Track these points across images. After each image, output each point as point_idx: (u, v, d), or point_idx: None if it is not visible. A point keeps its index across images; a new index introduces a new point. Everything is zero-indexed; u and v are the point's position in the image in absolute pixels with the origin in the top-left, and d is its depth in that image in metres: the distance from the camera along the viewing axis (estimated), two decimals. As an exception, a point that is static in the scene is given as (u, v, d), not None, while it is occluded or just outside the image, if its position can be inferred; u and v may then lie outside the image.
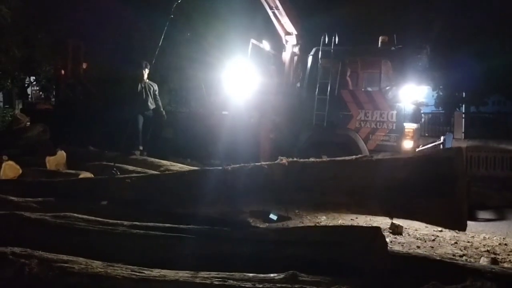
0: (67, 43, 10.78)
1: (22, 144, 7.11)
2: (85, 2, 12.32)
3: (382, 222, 5.86)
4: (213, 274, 2.38)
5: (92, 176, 5.47)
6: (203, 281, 2.33)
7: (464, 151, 7.75)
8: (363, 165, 2.66)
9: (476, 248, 4.80)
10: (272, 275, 2.32)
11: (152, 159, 7.26)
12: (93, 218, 3.30)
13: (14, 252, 2.64)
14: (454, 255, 4.35)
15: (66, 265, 2.53)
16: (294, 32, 8.14)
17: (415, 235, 5.30)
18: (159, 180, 3.52)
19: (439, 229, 5.64)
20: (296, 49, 8.28)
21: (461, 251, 4.67)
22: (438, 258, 3.20)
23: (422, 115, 10.80)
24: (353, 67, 8.12)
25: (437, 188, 2.29)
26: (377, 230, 2.56)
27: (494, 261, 4.03)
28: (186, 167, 6.07)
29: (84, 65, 11.25)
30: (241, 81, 8.07)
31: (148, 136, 8.58)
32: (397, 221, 5.51)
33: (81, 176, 5.29)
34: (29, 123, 8.71)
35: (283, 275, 2.28)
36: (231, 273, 2.40)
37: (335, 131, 7.43)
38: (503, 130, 15.69)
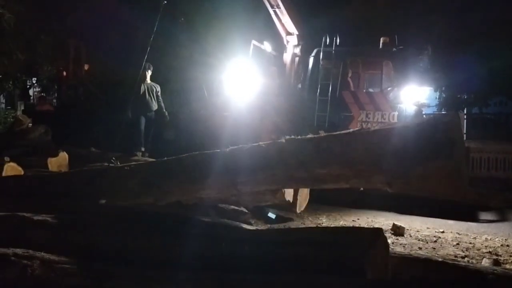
0: (69, 45, 10.82)
1: (24, 146, 7.12)
2: (87, 3, 12.34)
3: (384, 223, 5.86)
4: (214, 275, 2.38)
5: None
6: (204, 282, 2.33)
7: (466, 152, 7.73)
8: (360, 137, 2.64)
9: (478, 250, 4.79)
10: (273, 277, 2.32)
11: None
12: (93, 218, 3.30)
13: (16, 253, 2.64)
14: (456, 256, 4.34)
15: (67, 266, 2.53)
16: (295, 32, 8.16)
17: (417, 236, 5.30)
18: (158, 166, 3.50)
19: (441, 230, 5.65)
20: (297, 50, 8.29)
21: (463, 252, 4.66)
22: (440, 260, 3.20)
23: (424, 116, 10.79)
24: (355, 68, 8.13)
25: (435, 153, 2.27)
26: (378, 231, 2.56)
27: (496, 262, 4.02)
28: None
29: (86, 66, 11.28)
30: (242, 82, 8.09)
31: (150, 137, 8.59)
32: (398, 223, 5.51)
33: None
34: (31, 124, 8.72)
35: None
36: (233, 275, 2.40)
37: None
38: (505, 131, 15.66)
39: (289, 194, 5.33)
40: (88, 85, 10.85)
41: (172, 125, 9.03)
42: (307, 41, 8.35)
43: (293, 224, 5.65)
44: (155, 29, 7.44)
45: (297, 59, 8.31)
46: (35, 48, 10.89)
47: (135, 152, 7.88)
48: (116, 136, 7.70)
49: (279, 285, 2.29)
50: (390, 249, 2.81)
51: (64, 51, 11.36)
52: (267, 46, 8.58)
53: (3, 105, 14.49)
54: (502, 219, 6.89)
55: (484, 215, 7.08)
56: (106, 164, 6.36)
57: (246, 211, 5.40)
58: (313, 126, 7.50)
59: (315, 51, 7.94)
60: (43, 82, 13.35)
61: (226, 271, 2.44)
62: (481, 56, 12.91)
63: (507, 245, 5.05)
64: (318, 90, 7.61)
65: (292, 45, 8.23)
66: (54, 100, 14.71)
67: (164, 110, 8.90)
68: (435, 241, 5.10)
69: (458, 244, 5.00)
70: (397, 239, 5.11)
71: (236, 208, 5.40)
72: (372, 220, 6.23)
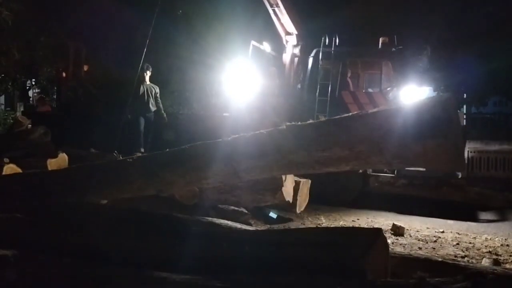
0: (68, 46, 10.81)
1: (23, 147, 7.11)
2: (86, 4, 12.34)
3: (384, 223, 5.87)
4: (214, 276, 2.38)
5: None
6: (204, 283, 2.33)
7: (466, 152, 7.74)
8: (360, 119, 2.67)
9: (478, 249, 4.79)
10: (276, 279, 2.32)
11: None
12: (92, 219, 3.30)
13: (15, 254, 2.64)
14: (456, 256, 4.34)
15: (68, 267, 2.53)
16: (295, 32, 8.16)
17: (417, 236, 5.30)
18: (161, 157, 3.50)
19: (441, 230, 5.65)
20: (297, 50, 8.30)
21: (463, 252, 4.66)
22: (440, 260, 3.20)
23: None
24: (354, 68, 8.13)
25: (433, 132, 2.32)
26: (378, 231, 2.56)
27: (496, 262, 4.02)
28: None
29: (85, 68, 11.28)
30: (242, 82, 8.09)
31: (149, 138, 8.60)
32: (398, 223, 5.51)
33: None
34: (30, 125, 8.72)
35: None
36: (233, 275, 2.40)
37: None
38: (504, 130, 15.68)
39: (288, 194, 5.34)
40: (88, 86, 10.85)
41: (172, 125, 9.03)
42: (307, 41, 8.35)
43: (293, 225, 5.65)
44: (151, 29, 7.44)
45: (296, 59, 8.31)
46: (34, 49, 10.89)
47: (134, 153, 7.88)
48: (116, 137, 7.70)
49: (278, 285, 2.29)
50: (390, 249, 2.81)
51: (64, 52, 11.35)
52: (266, 47, 8.59)
53: (2, 106, 14.50)
54: (502, 219, 6.90)
55: (484, 215, 7.09)
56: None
57: (246, 211, 5.41)
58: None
59: (314, 51, 7.94)
60: (42, 84, 13.34)
61: (226, 272, 2.44)
62: (480, 56, 12.93)
63: (507, 245, 5.06)
64: (318, 90, 7.61)
65: (291, 45, 8.23)
66: (54, 101, 14.72)
67: (163, 112, 8.91)
68: (435, 241, 5.10)
69: (458, 244, 5.00)
70: (397, 239, 5.11)
71: (236, 208, 5.41)
72: (371, 220, 6.24)
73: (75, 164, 6.81)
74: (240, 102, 8.09)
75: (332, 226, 5.70)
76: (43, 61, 11.43)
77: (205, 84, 10.63)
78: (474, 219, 6.79)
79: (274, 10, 7.89)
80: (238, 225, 3.94)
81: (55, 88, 13.13)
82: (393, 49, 7.51)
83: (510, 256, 4.61)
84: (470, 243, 5.08)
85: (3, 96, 14.58)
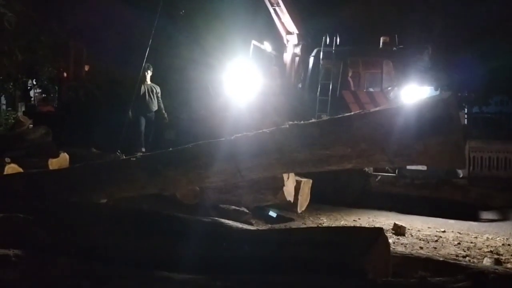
0: (70, 46, 10.82)
1: (25, 147, 7.12)
2: (87, 4, 12.34)
3: (385, 223, 5.86)
4: (216, 275, 2.38)
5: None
6: (206, 283, 2.33)
7: (467, 151, 7.73)
8: (361, 117, 2.70)
9: (479, 249, 4.79)
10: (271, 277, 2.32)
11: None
12: (94, 218, 3.31)
13: (17, 254, 2.65)
14: (457, 256, 4.34)
15: (69, 267, 2.53)
16: (295, 31, 8.16)
17: (418, 236, 5.30)
18: (164, 155, 3.52)
19: (442, 229, 5.64)
20: (298, 50, 8.30)
21: (464, 251, 4.66)
22: (441, 259, 3.20)
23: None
24: (355, 68, 8.13)
25: (434, 130, 2.36)
26: (379, 231, 2.56)
27: (498, 261, 4.02)
28: None
29: (86, 68, 11.29)
30: (243, 82, 8.09)
31: (150, 138, 8.60)
32: (400, 222, 5.51)
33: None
34: (31, 125, 8.73)
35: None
36: (234, 275, 2.40)
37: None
38: (505, 130, 15.64)
39: (290, 194, 5.34)
40: (89, 86, 10.86)
41: (173, 125, 9.04)
42: (307, 41, 8.35)
43: (294, 224, 5.65)
44: (153, 29, 7.44)
45: (297, 58, 8.31)
46: (36, 49, 10.89)
47: (135, 152, 7.88)
48: (117, 137, 7.71)
49: (280, 285, 2.29)
50: (391, 248, 2.81)
51: (65, 52, 11.36)
52: (267, 46, 8.58)
53: (4, 106, 14.49)
54: (503, 218, 6.89)
55: (485, 215, 7.08)
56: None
57: (247, 211, 5.41)
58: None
59: (315, 50, 7.94)
60: (43, 84, 13.35)
61: (227, 272, 2.44)
62: (481, 55, 12.90)
63: (508, 244, 5.05)
64: (319, 90, 7.61)
65: (292, 44, 8.23)
66: (55, 101, 14.73)
67: (164, 111, 8.92)
68: (436, 241, 5.09)
69: (459, 243, 5.00)
70: (398, 238, 5.10)
71: (237, 208, 5.41)
72: (373, 220, 6.23)
73: (76, 164, 6.84)
74: (241, 101, 8.09)
75: (333, 225, 5.70)
76: (44, 61, 11.42)
77: (205, 84, 10.62)
78: (476, 218, 6.78)
79: (274, 9, 7.90)
80: (239, 225, 3.94)
81: (56, 88, 13.13)
82: (394, 48, 7.51)
83: (512, 255, 4.61)
84: (471, 242, 5.07)
85: (2, 95, 14.59)
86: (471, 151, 7.93)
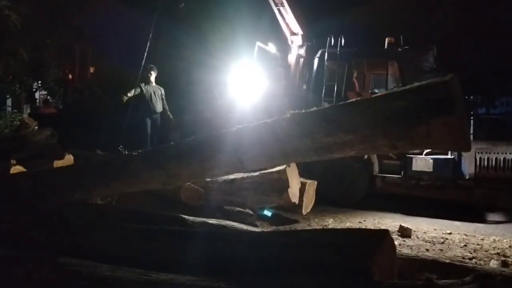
0: (75, 48, 10.88)
1: (30, 148, 7.15)
2: (93, 6, 12.41)
3: (391, 224, 5.83)
4: (220, 277, 2.37)
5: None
6: (210, 285, 2.32)
7: (473, 152, 7.68)
8: (363, 103, 2.69)
9: (486, 251, 4.75)
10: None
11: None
12: (101, 221, 3.32)
13: (23, 255, 2.65)
14: (463, 258, 4.31)
15: (74, 268, 2.54)
16: (300, 32, 8.15)
17: (424, 237, 5.26)
18: (167, 149, 3.52)
19: (448, 231, 5.61)
20: (302, 51, 8.28)
21: (471, 253, 4.62)
22: (447, 261, 3.18)
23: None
24: (360, 69, 8.10)
25: (437, 111, 2.33)
26: (385, 232, 2.54)
27: (504, 264, 3.98)
28: None
29: (92, 69, 11.35)
30: (247, 83, 8.09)
31: (155, 140, 8.62)
32: (405, 224, 5.48)
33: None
34: (37, 127, 8.77)
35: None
36: (239, 276, 2.39)
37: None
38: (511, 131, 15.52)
39: (294, 195, 5.32)
40: (94, 87, 10.91)
41: (178, 127, 9.06)
42: (312, 42, 8.33)
43: (299, 226, 5.64)
44: (152, 29, 7.46)
45: (301, 60, 8.30)
46: (42, 50, 10.96)
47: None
48: (121, 138, 7.72)
49: (284, 287, 2.28)
50: (397, 250, 2.79)
51: (70, 54, 11.42)
52: (271, 48, 8.58)
53: (9, 108, 14.57)
54: (510, 220, 6.84)
55: (491, 216, 7.03)
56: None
57: (252, 213, 5.40)
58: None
59: (319, 52, 7.92)
60: (49, 85, 13.43)
61: (232, 273, 2.43)
62: (488, 56, 12.83)
63: (515, 246, 5.01)
64: (323, 91, 7.59)
65: (296, 45, 8.22)
66: (60, 103, 14.80)
67: (169, 113, 8.94)
68: (443, 243, 5.06)
69: (465, 245, 4.96)
70: (404, 240, 5.08)
71: (242, 210, 5.40)
72: (378, 222, 6.20)
73: (81, 165, 6.86)
74: (246, 103, 8.09)
75: (338, 227, 5.68)
76: (50, 63, 11.49)
77: (210, 85, 10.63)
78: (482, 220, 6.74)
79: (279, 10, 7.89)
80: (244, 227, 3.94)
81: (62, 90, 13.20)
82: (399, 49, 7.47)
83: (519, 257, 4.57)
84: (478, 244, 5.04)
85: (9, 98, 14.68)
86: (477, 152, 7.86)
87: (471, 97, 16.30)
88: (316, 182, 5.90)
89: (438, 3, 13.54)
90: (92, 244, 3.00)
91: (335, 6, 12.76)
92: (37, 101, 15.94)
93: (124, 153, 5.00)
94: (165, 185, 3.56)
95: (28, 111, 14.29)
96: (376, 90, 8.00)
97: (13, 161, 5.58)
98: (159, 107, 8.79)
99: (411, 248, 4.71)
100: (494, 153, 10.37)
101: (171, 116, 8.95)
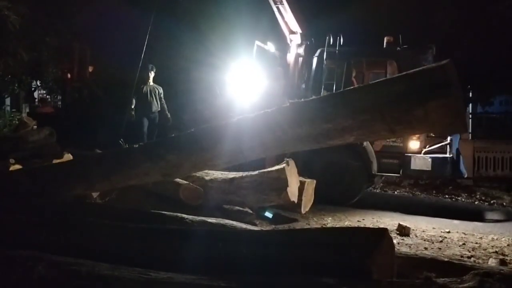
0: (74, 47, 10.87)
1: (29, 148, 7.15)
2: (91, 5, 12.39)
3: (389, 223, 5.84)
4: (219, 276, 2.38)
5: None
6: (209, 283, 2.33)
7: (472, 151, 7.70)
8: (362, 89, 2.80)
9: (485, 249, 4.76)
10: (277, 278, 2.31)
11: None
12: (100, 220, 3.32)
13: (22, 254, 2.65)
14: (462, 256, 4.32)
15: (73, 267, 2.54)
16: (299, 30, 8.15)
17: (423, 236, 5.27)
18: (167, 140, 3.54)
19: (447, 230, 5.62)
20: (301, 50, 8.28)
21: (469, 252, 4.63)
22: (446, 260, 3.18)
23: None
24: (359, 68, 8.10)
25: (434, 93, 2.39)
26: (384, 231, 2.55)
27: (503, 262, 4.00)
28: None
29: (90, 69, 11.34)
30: (246, 83, 8.09)
31: (154, 139, 8.61)
32: (404, 223, 5.49)
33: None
34: (35, 126, 8.76)
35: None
36: (238, 276, 2.40)
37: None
38: (510, 130, 15.58)
39: (293, 194, 5.33)
40: (93, 87, 10.90)
41: (176, 126, 9.05)
42: (311, 41, 8.34)
43: (298, 225, 5.64)
44: (149, 27, 7.46)
45: (300, 59, 8.30)
46: (41, 50, 10.95)
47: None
48: (120, 137, 7.73)
49: (283, 286, 2.28)
50: (395, 249, 2.80)
51: (69, 53, 11.41)
52: (270, 47, 8.58)
53: (8, 108, 14.56)
54: (509, 218, 6.86)
55: (490, 215, 7.05)
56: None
57: (251, 212, 5.40)
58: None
59: (318, 51, 7.92)
60: (48, 85, 13.43)
61: (231, 272, 2.44)
62: (485, 55, 12.84)
63: (514, 245, 5.02)
64: (322, 90, 7.59)
65: (295, 44, 8.23)
66: (59, 102, 14.79)
67: (167, 112, 8.94)
68: (441, 241, 5.07)
69: (464, 244, 4.97)
70: (403, 239, 5.09)
71: (241, 209, 5.40)
72: (377, 221, 6.21)
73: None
74: (244, 102, 8.09)
75: (337, 226, 5.69)
76: (49, 62, 11.48)
77: (209, 84, 10.64)
78: (481, 219, 6.75)
79: (278, 8, 7.88)
80: (243, 226, 3.94)
81: (60, 89, 13.18)
82: (398, 48, 7.48)
83: (517, 256, 4.58)
84: (476, 243, 5.05)
85: (8, 97, 14.67)
86: (475, 151, 7.88)
87: (470, 95, 16.32)
88: (315, 181, 5.91)
89: (437, 2, 13.54)
90: (91, 243, 3.00)
91: (334, 4, 12.75)
92: (36, 100, 15.92)
93: (124, 146, 5.01)
94: (166, 176, 3.57)
95: (27, 110, 14.28)
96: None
97: (12, 161, 5.58)
98: (156, 106, 8.79)
99: (410, 247, 4.72)
100: (493, 152, 10.41)
101: (169, 116, 8.95)
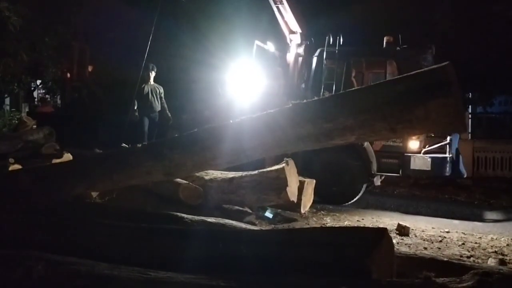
0: (73, 46, 10.86)
1: (28, 147, 7.15)
2: (91, 5, 12.39)
3: (389, 223, 5.84)
4: (218, 275, 2.38)
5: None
6: (208, 283, 2.33)
7: (471, 151, 7.71)
8: (363, 90, 2.85)
9: (484, 249, 4.77)
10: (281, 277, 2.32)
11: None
12: (100, 220, 3.32)
13: (21, 254, 2.65)
14: (461, 256, 4.32)
15: (73, 267, 2.54)
16: (299, 30, 8.15)
17: (422, 236, 5.28)
18: (170, 140, 3.55)
19: (446, 230, 5.62)
20: (301, 50, 8.28)
21: (469, 252, 4.64)
22: (445, 259, 3.18)
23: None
24: (358, 68, 8.10)
25: (434, 93, 2.45)
26: (383, 231, 2.55)
27: (502, 262, 4.00)
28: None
29: (90, 68, 11.34)
30: (246, 82, 8.09)
31: (154, 139, 8.60)
32: (404, 223, 5.49)
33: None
34: (35, 126, 8.76)
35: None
36: (237, 275, 2.40)
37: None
38: (510, 130, 15.60)
39: (293, 194, 5.33)
40: (92, 86, 10.90)
41: (176, 126, 9.05)
42: (311, 41, 8.34)
43: (297, 225, 5.64)
44: (153, 28, 7.46)
45: (300, 59, 8.30)
46: (40, 50, 10.95)
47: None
48: (120, 137, 7.72)
49: (283, 286, 2.28)
50: (395, 249, 2.80)
51: (68, 53, 11.41)
52: (270, 46, 8.57)
53: (7, 107, 14.55)
54: (508, 218, 6.86)
55: (489, 215, 7.05)
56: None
57: (250, 211, 5.40)
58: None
59: (318, 51, 7.92)
60: (48, 85, 13.43)
61: (230, 272, 2.44)
62: (485, 55, 12.85)
63: (513, 245, 5.02)
64: (322, 90, 7.59)
65: (295, 44, 8.23)
66: (59, 102, 14.78)
67: (168, 112, 8.93)
68: (441, 241, 5.07)
69: (463, 244, 4.98)
70: (402, 239, 5.09)
71: (240, 208, 5.41)
72: (377, 220, 6.21)
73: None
74: (244, 102, 8.08)
75: (336, 226, 5.69)
76: (49, 62, 11.48)
77: (209, 84, 10.64)
78: (480, 219, 6.75)
79: (278, 8, 7.88)
80: (243, 225, 3.94)
81: (60, 88, 13.18)
82: (398, 48, 7.48)
83: (516, 256, 4.58)
84: (475, 243, 5.05)
85: (8, 97, 14.67)
86: (475, 151, 7.89)
87: (470, 95, 16.33)
88: (314, 181, 5.91)
89: (436, 2, 13.54)
90: (91, 243, 3.00)
91: (334, 4, 12.75)
92: (36, 100, 15.92)
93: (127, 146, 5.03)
94: (168, 175, 3.58)
95: (27, 109, 14.28)
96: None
97: (11, 160, 5.58)
98: (157, 106, 8.79)
99: (409, 247, 4.72)
100: (492, 152, 10.43)
101: (169, 115, 8.94)
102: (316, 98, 7.49)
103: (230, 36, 11.09)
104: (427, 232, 5.47)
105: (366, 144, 7.24)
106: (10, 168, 5.34)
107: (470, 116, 15.06)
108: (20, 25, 9.06)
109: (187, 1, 11.46)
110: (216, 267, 2.54)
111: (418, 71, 2.62)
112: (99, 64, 11.92)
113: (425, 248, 4.69)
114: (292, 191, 5.28)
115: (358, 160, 7.32)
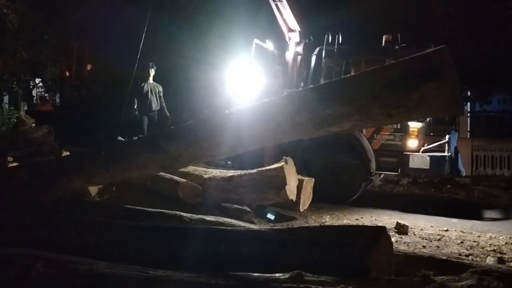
0: (72, 45, 10.83)
1: (27, 146, 7.14)
2: (90, 3, 12.37)
3: (388, 222, 5.85)
4: (218, 274, 2.38)
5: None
6: (208, 281, 2.33)
7: (470, 150, 7.72)
8: (359, 75, 2.87)
9: (482, 248, 4.77)
10: (277, 275, 2.32)
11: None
12: (98, 219, 3.32)
13: (20, 253, 2.65)
14: (460, 255, 4.33)
15: (72, 265, 2.54)
16: (297, 28, 8.14)
17: (421, 234, 5.28)
18: (167, 132, 3.56)
19: (445, 228, 5.63)
20: (300, 48, 8.27)
21: (467, 250, 4.64)
22: (444, 258, 3.19)
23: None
24: (357, 67, 8.10)
25: (429, 75, 2.44)
26: (382, 229, 2.56)
27: (501, 260, 4.01)
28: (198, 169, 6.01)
29: (89, 67, 11.30)
30: (245, 81, 8.08)
31: (153, 137, 8.60)
32: (402, 221, 5.50)
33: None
34: (34, 124, 8.75)
35: (288, 275, 2.28)
36: (236, 273, 2.40)
37: (340, 131, 7.42)
38: (508, 128, 15.61)
39: (292, 193, 5.33)
40: (91, 85, 10.87)
41: (175, 124, 9.03)
42: (310, 39, 8.33)
43: (296, 223, 5.65)
44: (146, 24, 7.45)
45: (299, 57, 8.30)
46: (39, 49, 10.94)
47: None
48: (118, 135, 7.71)
49: (282, 284, 2.29)
50: (394, 247, 2.81)
51: (67, 51, 11.36)
52: (269, 45, 8.57)
53: (6, 106, 14.53)
54: (507, 217, 6.87)
55: (488, 213, 7.06)
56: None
57: (249, 210, 5.41)
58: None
59: (317, 49, 7.92)
60: (47, 83, 13.42)
61: (229, 270, 2.44)
62: (484, 53, 12.85)
63: (512, 243, 5.04)
64: (321, 89, 7.61)
65: (294, 42, 8.22)
66: (58, 100, 14.77)
67: (166, 111, 8.93)
68: (439, 240, 5.08)
69: (462, 242, 4.98)
70: (401, 237, 5.09)
71: (240, 207, 5.41)
72: (375, 219, 6.22)
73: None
74: (243, 101, 8.08)
75: (335, 224, 5.69)
76: (48, 60, 11.47)
77: (207, 83, 10.63)
78: (479, 217, 6.76)
79: (277, 5, 7.87)
80: (242, 224, 3.95)
81: (59, 87, 13.17)
82: (397, 46, 7.48)
83: (515, 254, 4.59)
84: (474, 241, 5.06)
85: (6, 95, 14.65)
86: (474, 149, 7.90)
87: (468, 93, 16.33)
88: (313, 180, 5.92)
89: (436, 1, 13.53)
90: (90, 242, 3.00)
91: (333, 3, 12.74)
92: (34, 98, 15.90)
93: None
94: (165, 168, 3.57)
95: (25, 108, 14.25)
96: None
97: (10, 159, 5.58)
98: (156, 105, 8.78)
99: (408, 245, 4.72)
100: (491, 151, 10.44)
101: (168, 114, 8.94)
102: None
103: (229, 34, 11.08)
104: (426, 231, 5.48)
105: (365, 142, 7.25)
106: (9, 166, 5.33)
107: (469, 114, 15.07)
108: (19, 23, 9.04)
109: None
110: (215, 265, 2.54)
111: (414, 55, 2.63)
112: (98, 63, 11.89)
113: (424, 247, 4.69)
114: (291, 190, 5.29)
115: (357, 159, 7.33)
